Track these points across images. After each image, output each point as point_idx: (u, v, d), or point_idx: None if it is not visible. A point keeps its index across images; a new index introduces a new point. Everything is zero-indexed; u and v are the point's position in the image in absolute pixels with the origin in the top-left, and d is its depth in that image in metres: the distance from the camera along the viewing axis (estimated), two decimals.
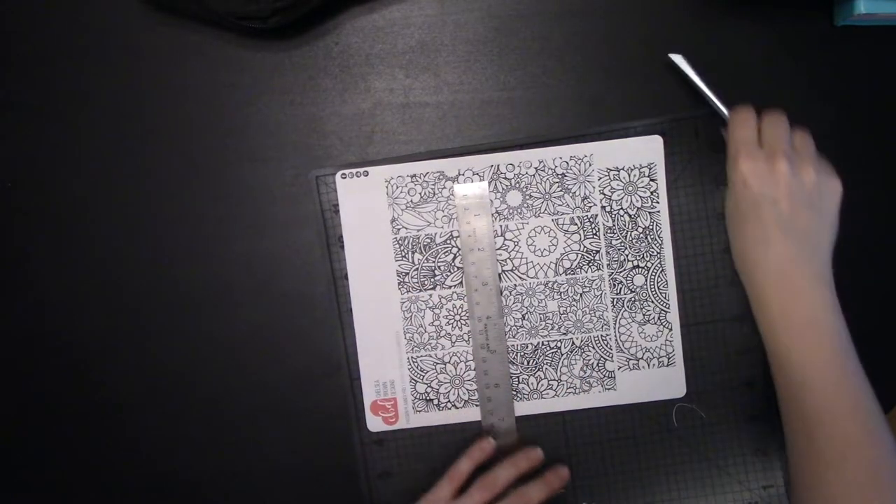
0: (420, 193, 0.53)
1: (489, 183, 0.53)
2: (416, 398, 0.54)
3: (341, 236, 0.54)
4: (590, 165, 0.53)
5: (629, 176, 0.53)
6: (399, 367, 0.54)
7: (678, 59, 0.51)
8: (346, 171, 0.53)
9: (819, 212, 0.47)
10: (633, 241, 0.53)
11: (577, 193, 0.53)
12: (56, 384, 0.55)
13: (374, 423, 0.54)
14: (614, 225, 0.53)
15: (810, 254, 0.46)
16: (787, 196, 0.46)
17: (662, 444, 0.54)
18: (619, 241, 0.53)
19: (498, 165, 0.53)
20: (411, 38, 0.53)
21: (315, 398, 0.55)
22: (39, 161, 0.54)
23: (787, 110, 0.53)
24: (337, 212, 0.54)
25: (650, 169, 0.53)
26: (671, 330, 0.53)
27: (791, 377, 0.45)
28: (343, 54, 0.54)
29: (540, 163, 0.53)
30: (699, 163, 0.53)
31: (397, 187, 0.53)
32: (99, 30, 0.53)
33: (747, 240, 0.48)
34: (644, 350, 0.53)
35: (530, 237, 0.53)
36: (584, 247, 0.53)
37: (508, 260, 0.53)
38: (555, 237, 0.53)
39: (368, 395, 0.54)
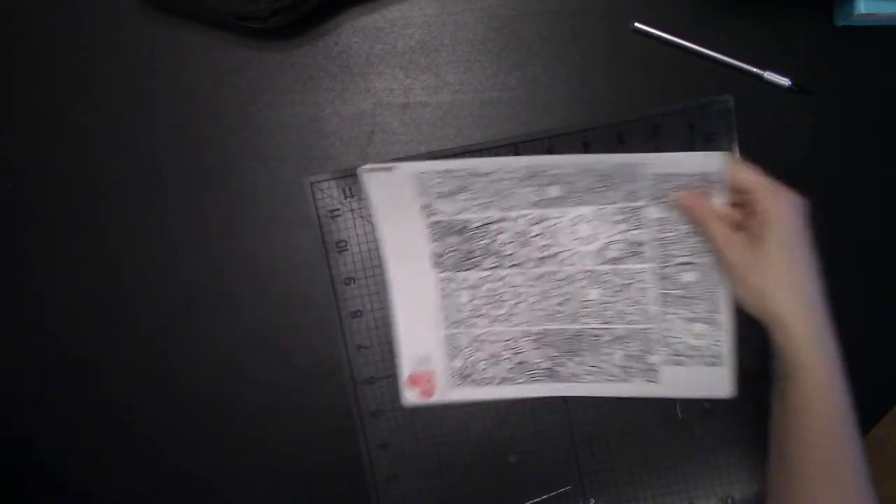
0: (450, 186, 0.52)
1: (528, 178, 0.51)
2: (452, 374, 0.54)
3: (339, 241, 0.54)
4: (639, 170, 0.49)
5: (682, 182, 0.49)
6: (437, 343, 0.54)
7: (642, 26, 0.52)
8: (370, 166, 0.51)
9: None
10: (684, 235, 0.51)
11: (624, 188, 0.50)
12: (57, 384, 0.55)
13: (411, 396, 0.54)
14: (666, 216, 0.50)
15: None
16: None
17: (668, 436, 0.54)
18: (670, 234, 0.51)
19: (535, 166, 0.50)
20: (411, 38, 0.53)
21: (318, 398, 0.55)
22: (39, 161, 0.54)
23: (787, 110, 0.53)
24: (334, 217, 0.53)
25: (707, 180, 0.48)
26: (721, 330, 0.52)
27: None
28: (343, 54, 0.54)
29: (584, 167, 0.50)
30: None
31: (428, 180, 0.51)
32: (99, 30, 0.53)
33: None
34: (689, 347, 0.52)
35: (572, 225, 0.52)
36: (629, 238, 0.51)
37: (548, 246, 0.53)
38: (597, 227, 0.52)
39: (406, 368, 0.54)
